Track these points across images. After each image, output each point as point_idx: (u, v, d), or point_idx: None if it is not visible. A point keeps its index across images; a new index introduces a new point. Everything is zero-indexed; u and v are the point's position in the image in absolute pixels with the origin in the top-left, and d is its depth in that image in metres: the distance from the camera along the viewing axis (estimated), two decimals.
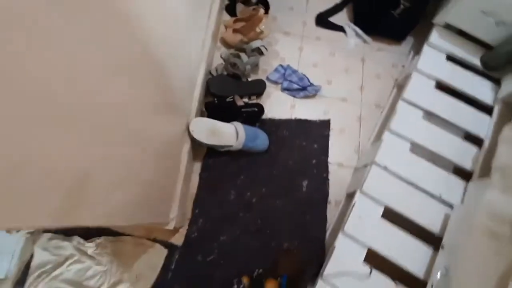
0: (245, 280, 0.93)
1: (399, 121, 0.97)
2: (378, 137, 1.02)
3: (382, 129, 1.02)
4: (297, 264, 0.95)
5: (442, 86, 1.03)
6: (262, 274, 0.95)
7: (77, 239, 0.97)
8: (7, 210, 0.30)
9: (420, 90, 1.02)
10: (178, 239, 0.99)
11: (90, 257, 0.96)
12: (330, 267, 0.80)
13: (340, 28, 1.30)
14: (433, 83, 1.03)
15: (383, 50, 1.29)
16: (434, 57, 1.06)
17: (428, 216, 0.85)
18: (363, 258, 0.82)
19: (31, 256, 0.95)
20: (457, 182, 0.90)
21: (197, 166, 1.07)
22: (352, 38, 1.28)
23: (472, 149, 0.95)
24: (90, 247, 0.96)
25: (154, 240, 0.98)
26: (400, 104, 1.01)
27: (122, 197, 0.60)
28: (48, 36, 0.32)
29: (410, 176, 0.90)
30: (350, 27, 1.29)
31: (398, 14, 1.15)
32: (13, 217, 0.31)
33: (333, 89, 1.21)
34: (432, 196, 0.88)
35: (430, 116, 1.00)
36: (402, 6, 1.13)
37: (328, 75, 1.23)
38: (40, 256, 0.95)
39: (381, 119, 1.16)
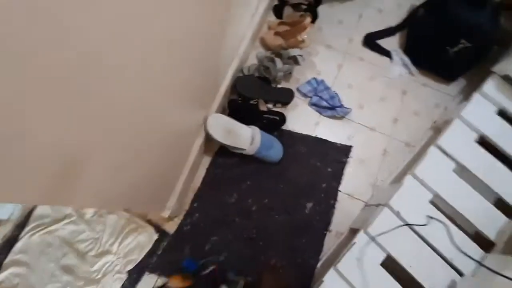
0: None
1: (426, 168, 0.90)
2: (399, 179, 0.95)
3: (406, 171, 0.95)
4: (280, 283, 0.92)
5: (484, 141, 0.93)
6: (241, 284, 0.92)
7: None
8: None
9: (458, 139, 0.93)
10: (170, 227, 0.99)
11: (86, 221, 0.98)
12: None
13: (387, 53, 1.22)
14: (474, 135, 0.93)
15: (428, 86, 1.20)
16: (483, 108, 0.96)
17: (432, 278, 0.78)
18: None
19: (35, 206, 1.00)
20: (475, 250, 0.81)
21: (206, 160, 1.06)
22: (398, 67, 1.20)
23: (501, 218, 0.85)
24: (88, 212, 0.99)
25: (148, 222, 0.99)
26: (432, 150, 0.93)
27: (122, 182, 0.60)
28: None
29: (422, 229, 0.82)
30: (398, 55, 1.21)
31: (454, 52, 1.06)
32: (2, 191, 0.30)
33: (363, 115, 1.14)
34: (442, 257, 0.80)
35: (462, 170, 0.91)
36: (461, 45, 1.03)
37: (361, 99, 1.16)
38: (42, 208, 0.99)
39: (407, 160, 1.08)
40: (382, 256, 0.81)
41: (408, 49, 1.21)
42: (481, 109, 0.96)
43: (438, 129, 1.09)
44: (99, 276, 0.92)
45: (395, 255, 0.80)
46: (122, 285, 0.92)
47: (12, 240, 0.96)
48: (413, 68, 1.19)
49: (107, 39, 0.39)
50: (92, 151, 0.45)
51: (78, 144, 0.42)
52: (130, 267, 0.94)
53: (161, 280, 0.53)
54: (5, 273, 0.92)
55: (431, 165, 0.90)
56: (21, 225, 0.98)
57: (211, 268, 0.85)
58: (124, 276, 0.93)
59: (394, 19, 1.26)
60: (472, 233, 0.87)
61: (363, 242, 0.82)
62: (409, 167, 0.98)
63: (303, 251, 0.96)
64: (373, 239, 0.82)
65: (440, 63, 1.14)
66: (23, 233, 0.96)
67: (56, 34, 0.30)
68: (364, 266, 0.79)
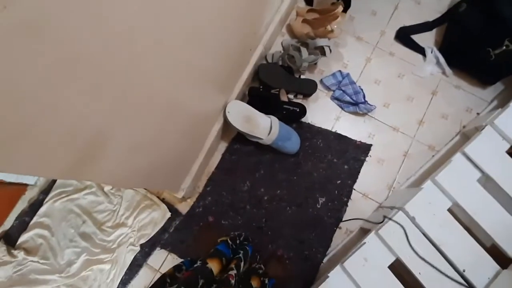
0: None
1: (448, 175, 0.86)
2: (418, 183, 0.92)
3: (426, 176, 0.92)
4: (285, 274, 0.93)
5: None
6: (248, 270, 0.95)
7: None
8: (19, 156, 0.31)
9: (487, 148, 0.88)
10: (183, 208, 1.02)
11: (105, 194, 1.03)
12: None
13: (420, 50, 1.15)
14: (506, 146, 0.88)
15: (462, 88, 1.12)
16: None
17: (441, 286, 0.77)
18: None
19: None
20: (490, 265, 0.78)
21: (223, 146, 1.07)
22: (430, 65, 1.13)
23: None
24: (107, 185, 1.04)
25: (162, 201, 1.02)
26: (457, 157, 0.88)
27: (140, 162, 0.62)
28: None
29: (437, 237, 0.80)
30: (432, 52, 1.14)
31: (496, 54, 0.98)
32: (24, 164, 0.32)
33: (387, 114, 1.10)
34: (453, 267, 0.78)
35: (487, 181, 0.86)
36: (504, 47, 0.95)
37: (387, 97, 1.11)
38: None
39: (429, 164, 1.04)
40: (391, 259, 0.80)
41: (445, 47, 1.14)
42: None
43: (466, 136, 1.04)
44: (114, 246, 0.98)
45: (404, 260, 0.79)
46: (135, 256, 0.97)
47: (37, 204, 1.02)
48: (447, 68, 1.12)
49: (139, 22, 0.38)
50: (114, 130, 0.46)
51: (102, 123, 0.43)
52: (143, 241, 0.98)
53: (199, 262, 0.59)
54: (30, 233, 0.99)
55: (454, 172, 0.86)
56: (45, 191, 1.04)
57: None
58: (137, 249, 0.98)
59: (432, 13, 1.18)
60: (489, 246, 0.84)
61: (373, 243, 0.81)
62: (430, 172, 0.95)
63: (311, 245, 0.97)
64: (383, 241, 0.81)
65: (478, 65, 1.07)
66: (47, 198, 1.02)
67: (89, 11, 0.30)
68: (371, 267, 0.79)
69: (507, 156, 0.87)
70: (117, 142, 0.48)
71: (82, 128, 0.38)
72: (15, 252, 0.96)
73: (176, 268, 0.65)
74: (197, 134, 0.90)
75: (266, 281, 0.84)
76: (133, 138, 0.53)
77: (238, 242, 0.77)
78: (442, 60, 1.12)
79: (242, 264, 0.66)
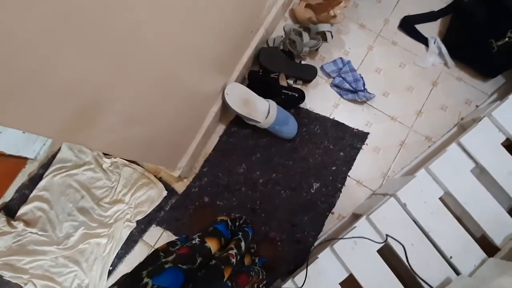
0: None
1: (442, 164, 0.87)
2: (413, 172, 0.92)
3: (421, 166, 0.92)
4: (277, 255, 0.95)
5: (510, 145, 0.88)
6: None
7: (97, 151, 1.07)
8: (13, 109, 0.32)
9: (482, 139, 0.88)
10: (179, 187, 1.04)
11: (103, 170, 1.05)
12: (303, 274, 0.79)
13: (423, 40, 1.14)
14: (502, 138, 0.88)
15: (463, 80, 1.12)
16: None
17: (428, 271, 0.78)
18: (339, 281, 0.79)
19: (59, 150, 1.07)
20: (477, 253, 0.80)
21: (221, 128, 1.08)
22: (433, 56, 1.12)
23: (511, 226, 0.82)
24: (106, 162, 1.05)
25: (160, 179, 1.04)
26: (453, 147, 0.89)
27: (138, 134, 0.63)
28: None
29: (427, 224, 0.82)
30: (435, 43, 1.13)
31: (498, 45, 0.97)
32: (18, 118, 0.33)
33: (386, 103, 1.10)
34: (440, 253, 0.80)
35: (481, 172, 0.87)
36: (507, 39, 0.94)
37: (387, 86, 1.11)
38: (65, 152, 1.06)
39: (425, 154, 1.04)
40: (379, 244, 0.81)
41: (448, 37, 1.12)
42: None
43: (463, 127, 1.04)
44: (111, 221, 1.00)
45: (393, 244, 0.81)
46: (131, 232, 1.00)
47: (37, 177, 1.05)
48: (449, 59, 1.11)
49: None
50: (112, 97, 0.47)
51: (99, 86, 0.43)
52: (139, 217, 1.01)
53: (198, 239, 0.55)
54: (30, 206, 1.01)
55: (448, 162, 0.87)
56: (45, 166, 1.06)
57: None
58: (133, 225, 1.00)
59: (437, 3, 1.16)
60: (478, 236, 0.85)
61: (363, 227, 0.83)
62: (425, 162, 0.95)
63: (303, 229, 0.99)
64: (373, 225, 0.82)
65: (480, 57, 1.06)
66: (47, 173, 1.04)
67: None
68: (360, 250, 0.81)
69: (502, 148, 0.88)
70: (114, 109, 0.49)
71: (79, 89, 0.39)
72: (14, 223, 0.99)
73: (170, 244, 0.64)
74: (195, 114, 0.90)
75: (257, 260, 0.86)
76: (130, 108, 0.54)
77: (237, 224, 0.77)
78: (444, 51, 1.12)
79: (242, 244, 0.64)
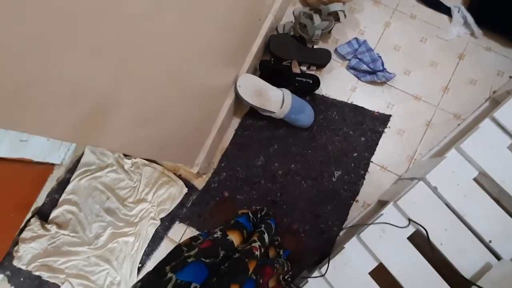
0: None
1: (475, 142, 0.80)
2: (442, 153, 0.86)
3: (451, 145, 0.86)
4: (301, 246, 0.94)
5: None
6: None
7: (118, 153, 1.09)
8: (26, 115, 0.32)
9: None
10: (199, 183, 1.04)
11: (125, 171, 1.07)
12: (332, 265, 0.77)
13: (446, 10, 1.05)
14: None
15: (493, 50, 1.02)
16: None
17: (464, 258, 0.74)
18: (369, 271, 0.76)
19: (82, 154, 1.11)
20: None
21: (236, 122, 1.06)
22: (457, 27, 1.04)
23: None
24: (127, 163, 1.08)
25: (179, 177, 1.05)
26: (486, 123, 0.82)
27: (152, 133, 0.63)
28: None
29: (461, 208, 0.76)
30: (460, 12, 1.04)
31: None
32: (26, 121, 0.33)
33: (408, 82, 1.03)
34: (478, 238, 0.75)
35: None
36: None
37: (408, 64, 1.04)
38: (88, 156, 1.10)
39: (454, 133, 0.97)
40: (410, 231, 0.77)
41: (474, 4, 1.03)
42: None
43: (496, 101, 0.96)
44: (136, 220, 1.03)
45: (424, 230, 0.76)
46: (156, 230, 1.02)
47: (64, 182, 1.09)
48: (476, 29, 1.02)
49: None
50: (120, 96, 0.46)
51: (108, 89, 0.43)
52: (162, 215, 1.02)
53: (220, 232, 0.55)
54: (60, 209, 1.06)
55: (482, 139, 0.80)
56: (71, 170, 1.10)
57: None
58: (157, 222, 1.02)
59: None
60: None
61: (391, 214, 0.79)
62: (455, 141, 0.89)
63: (327, 219, 0.96)
64: (402, 212, 0.78)
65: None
66: (73, 177, 1.08)
67: None
68: (389, 238, 0.77)
69: None
70: (124, 109, 0.48)
71: (86, 91, 0.38)
72: (48, 226, 1.04)
73: (193, 238, 0.65)
74: (208, 109, 0.89)
75: (281, 252, 0.85)
76: (141, 107, 0.54)
77: (259, 216, 0.75)
78: (470, 19, 1.02)
79: (265, 237, 0.63)
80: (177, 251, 0.52)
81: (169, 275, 0.42)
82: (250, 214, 0.71)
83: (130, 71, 0.46)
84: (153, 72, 0.53)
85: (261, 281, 0.55)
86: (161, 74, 0.55)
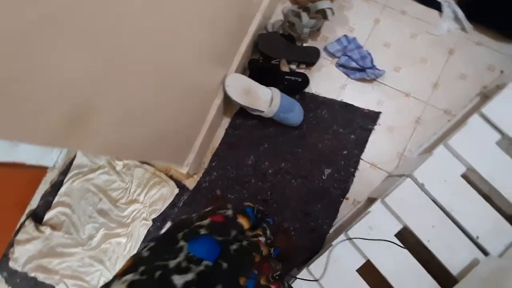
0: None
1: (463, 138, 0.80)
2: (431, 149, 0.86)
3: (440, 141, 0.86)
4: (291, 244, 0.94)
5: None
6: None
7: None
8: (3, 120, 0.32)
9: (508, 107, 0.80)
10: (190, 183, 1.05)
11: (117, 172, 1.08)
12: (320, 263, 0.77)
13: (436, 5, 1.04)
14: None
15: (483, 45, 1.02)
16: None
17: (452, 254, 0.73)
18: (356, 268, 0.76)
19: (75, 156, 1.11)
20: (507, 231, 0.74)
21: (226, 121, 1.07)
22: (447, 22, 1.03)
23: None
24: (118, 164, 1.08)
25: (170, 177, 1.05)
26: (475, 118, 0.81)
27: (138, 133, 0.63)
28: None
29: (448, 204, 0.76)
30: (450, 7, 1.03)
31: None
32: (10, 129, 0.33)
33: (398, 78, 1.03)
34: (466, 234, 0.74)
35: (509, 144, 0.79)
36: None
37: (398, 60, 1.04)
38: (80, 158, 1.11)
39: (444, 129, 0.97)
40: (398, 227, 0.77)
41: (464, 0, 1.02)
42: None
43: (486, 97, 0.95)
44: (128, 221, 1.03)
45: (412, 227, 0.76)
46: (148, 230, 1.02)
47: (58, 184, 1.10)
48: (466, 23, 1.01)
49: None
50: (106, 96, 0.47)
51: (91, 87, 0.43)
52: (154, 215, 1.03)
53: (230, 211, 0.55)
54: (54, 211, 1.07)
55: (470, 135, 0.80)
56: (64, 172, 1.11)
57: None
58: (149, 223, 1.03)
59: None
60: (510, 214, 0.78)
61: (379, 211, 0.79)
62: (445, 137, 0.88)
63: (317, 217, 0.96)
64: (390, 209, 0.78)
65: (503, 17, 0.95)
66: (66, 179, 1.09)
67: None
68: (376, 235, 0.77)
69: None
70: (109, 109, 0.49)
71: (70, 91, 0.38)
72: (42, 228, 1.05)
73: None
74: (197, 109, 0.90)
75: (272, 250, 0.85)
76: (127, 106, 0.54)
77: (259, 216, 0.76)
78: (461, 14, 1.02)
79: (268, 233, 0.63)
80: (188, 220, 0.50)
81: (181, 243, 0.41)
82: (255, 209, 0.71)
83: (115, 70, 0.46)
84: (139, 71, 0.53)
85: (259, 276, 0.55)
86: (148, 74, 0.56)
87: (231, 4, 0.81)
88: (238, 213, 0.57)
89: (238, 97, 0.94)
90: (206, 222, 0.48)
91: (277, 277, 0.75)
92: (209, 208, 0.56)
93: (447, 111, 0.99)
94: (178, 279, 0.36)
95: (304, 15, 0.98)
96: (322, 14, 0.99)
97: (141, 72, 0.54)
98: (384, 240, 0.75)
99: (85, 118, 0.45)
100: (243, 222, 0.56)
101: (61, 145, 0.42)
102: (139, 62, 0.51)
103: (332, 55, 1.05)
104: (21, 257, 1.04)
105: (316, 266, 0.78)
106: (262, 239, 0.57)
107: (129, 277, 0.35)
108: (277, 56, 1.01)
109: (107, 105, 0.48)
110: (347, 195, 0.97)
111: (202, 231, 0.45)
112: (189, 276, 0.37)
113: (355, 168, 0.98)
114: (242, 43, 0.98)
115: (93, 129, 0.48)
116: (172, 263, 0.38)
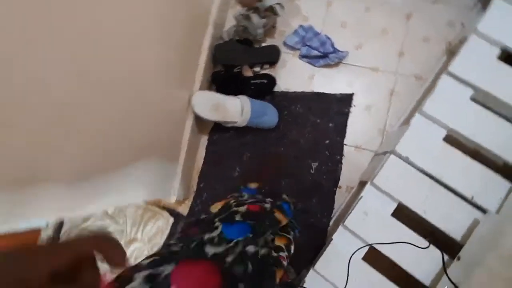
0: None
1: (436, 101, 0.78)
2: (408, 120, 0.85)
3: (417, 109, 0.85)
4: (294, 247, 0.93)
5: (508, 56, 0.78)
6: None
7: None
8: None
9: (475, 60, 0.79)
10: (184, 209, 1.04)
11: (110, 216, 1.07)
12: (323, 260, 0.76)
13: None
14: (496, 51, 0.78)
15: (440, 2, 1.00)
16: (507, 15, 0.79)
17: (451, 220, 0.72)
18: (361, 257, 0.75)
19: None
20: (500, 185, 0.72)
21: (204, 139, 1.05)
22: None
23: None
24: (109, 208, 1.07)
25: (163, 208, 1.04)
26: (443, 79, 0.80)
27: (103, 179, 0.62)
28: None
29: (437, 171, 0.75)
30: None
31: None
32: None
33: (362, 56, 1.01)
34: (461, 197, 0.73)
35: (484, 96, 0.78)
36: None
37: (358, 37, 1.02)
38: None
39: (418, 96, 0.95)
40: (392, 206, 0.76)
41: None
42: (503, 17, 0.78)
43: (453, 53, 0.93)
44: (131, 261, 1.02)
45: (406, 202, 0.75)
46: None
47: (55, 241, 1.09)
48: None
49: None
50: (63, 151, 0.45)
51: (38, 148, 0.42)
52: (155, 249, 1.01)
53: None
54: None
55: (443, 96, 0.78)
56: (57, 230, 1.10)
57: None
58: None
59: None
60: (501, 165, 0.77)
61: (370, 194, 0.78)
62: (420, 104, 0.87)
63: (314, 212, 0.95)
64: (380, 190, 0.77)
65: None
66: (61, 233, 1.08)
67: None
68: (374, 220, 0.76)
69: (500, 62, 0.78)
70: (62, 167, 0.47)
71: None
72: None
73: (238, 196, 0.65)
74: (170, 136, 0.88)
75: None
76: (86, 157, 0.53)
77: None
78: None
79: (292, 248, 0.62)
80: (227, 206, 0.54)
81: (217, 223, 0.46)
82: (292, 205, 0.71)
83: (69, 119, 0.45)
84: (100, 113, 0.51)
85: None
86: (109, 112, 0.54)
87: (177, 22, 0.79)
88: (276, 208, 0.58)
89: (208, 114, 0.93)
90: (243, 209, 0.50)
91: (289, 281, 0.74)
92: (250, 200, 0.58)
93: (418, 77, 0.98)
94: (209, 249, 0.40)
95: (254, 16, 0.96)
96: (272, 11, 0.98)
97: (102, 114, 0.52)
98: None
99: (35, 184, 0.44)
100: (280, 217, 0.56)
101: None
102: (96, 108, 0.50)
103: (293, 48, 1.04)
104: None
105: (321, 263, 0.76)
106: (285, 254, 0.56)
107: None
108: (237, 63, 0.99)
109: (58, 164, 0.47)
110: (339, 184, 0.96)
111: (237, 217, 0.48)
112: (220, 249, 0.41)
113: (341, 155, 0.97)
114: (200, 59, 0.97)
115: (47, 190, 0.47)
116: (207, 236, 0.43)
